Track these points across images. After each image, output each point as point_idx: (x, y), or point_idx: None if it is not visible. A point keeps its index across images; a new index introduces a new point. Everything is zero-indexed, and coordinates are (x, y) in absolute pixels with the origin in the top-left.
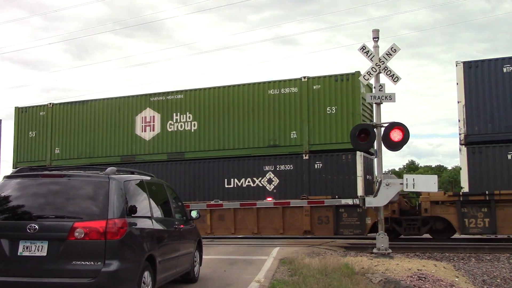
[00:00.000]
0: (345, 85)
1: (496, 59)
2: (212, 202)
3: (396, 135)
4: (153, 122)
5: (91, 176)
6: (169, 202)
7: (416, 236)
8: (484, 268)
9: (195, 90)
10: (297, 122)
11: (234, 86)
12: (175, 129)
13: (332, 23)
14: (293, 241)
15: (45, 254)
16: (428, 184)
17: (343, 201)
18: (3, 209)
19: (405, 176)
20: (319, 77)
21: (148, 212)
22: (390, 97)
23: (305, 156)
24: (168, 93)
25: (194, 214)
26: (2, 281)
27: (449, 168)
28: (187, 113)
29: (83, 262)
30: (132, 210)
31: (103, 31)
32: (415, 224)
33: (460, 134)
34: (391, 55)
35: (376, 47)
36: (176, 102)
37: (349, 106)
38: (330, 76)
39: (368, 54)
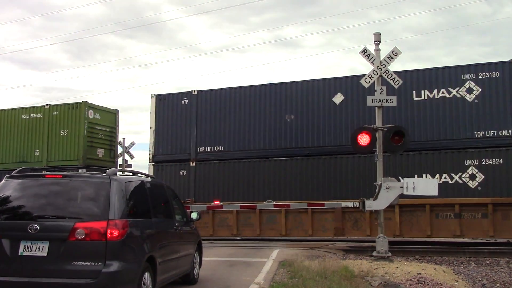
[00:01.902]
0: (75, 112)
1: (178, 94)
2: None
3: (397, 139)
4: None
5: (92, 177)
6: (170, 203)
7: None
8: (484, 272)
9: None
10: (40, 142)
11: None
12: None
13: (333, 26)
14: (293, 243)
15: (46, 254)
16: (428, 188)
17: (343, 204)
18: (4, 209)
19: (405, 179)
20: (57, 105)
21: (148, 213)
22: (391, 100)
23: None
24: None
25: (194, 215)
26: (3, 281)
27: None
28: None
29: (83, 263)
30: (132, 211)
31: (103, 31)
32: None
33: (150, 154)
34: (392, 58)
35: (378, 50)
36: None
37: (76, 130)
38: (65, 104)
39: (370, 57)
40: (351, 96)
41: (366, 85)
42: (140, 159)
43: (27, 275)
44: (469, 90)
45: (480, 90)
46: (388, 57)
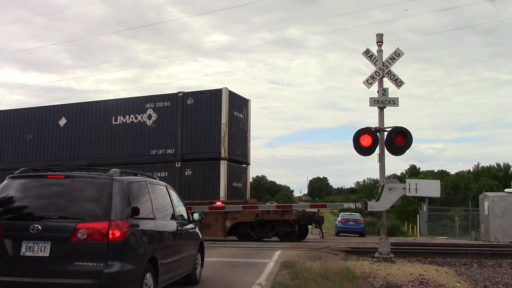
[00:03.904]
0: None
1: None
2: None
3: (399, 140)
4: None
5: (94, 177)
6: (172, 204)
7: None
8: (486, 274)
9: None
10: None
11: None
12: None
13: (336, 26)
14: (295, 244)
15: (47, 254)
16: (430, 189)
17: (345, 205)
18: (6, 209)
19: (408, 180)
20: None
21: (150, 214)
22: (394, 101)
23: None
24: None
25: (196, 216)
26: (5, 281)
27: (452, 173)
28: None
29: (85, 263)
30: (134, 212)
31: (106, 32)
32: None
33: None
34: (394, 59)
35: (380, 51)
36: None
37: None
38: None
39: (372, 58)
40: (73, 120)
41: (369, 86)
42: None
43: (29, 275)
44: (149, 116)
45: (157, 116)
46: (390, 58)
